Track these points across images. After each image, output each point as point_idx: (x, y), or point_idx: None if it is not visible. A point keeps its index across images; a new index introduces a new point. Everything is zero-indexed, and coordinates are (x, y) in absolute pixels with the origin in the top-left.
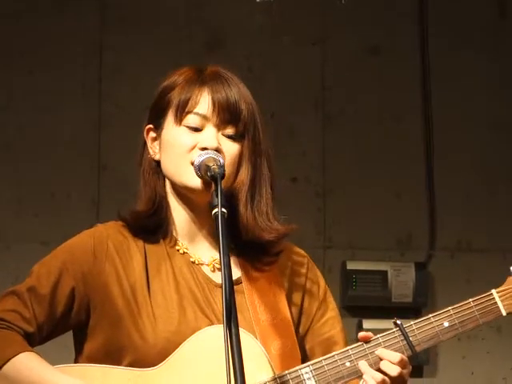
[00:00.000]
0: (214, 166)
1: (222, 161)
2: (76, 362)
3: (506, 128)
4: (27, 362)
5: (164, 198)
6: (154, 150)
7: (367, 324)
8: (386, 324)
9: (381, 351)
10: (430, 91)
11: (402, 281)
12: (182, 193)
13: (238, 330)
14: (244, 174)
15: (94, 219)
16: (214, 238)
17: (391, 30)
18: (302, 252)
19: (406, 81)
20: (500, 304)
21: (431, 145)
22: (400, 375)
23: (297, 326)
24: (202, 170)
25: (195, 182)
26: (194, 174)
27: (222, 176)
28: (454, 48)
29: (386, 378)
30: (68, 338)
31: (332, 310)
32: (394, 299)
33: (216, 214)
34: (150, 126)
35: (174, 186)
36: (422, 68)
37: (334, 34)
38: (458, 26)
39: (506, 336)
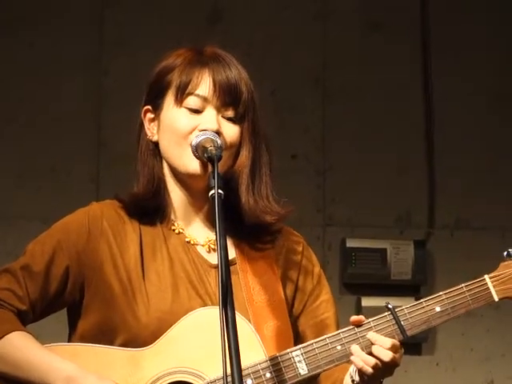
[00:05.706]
0: (211, 148)
1: (219, 142)
2: (69, 339)
3: (506, 104)
4: (18, 341)
5: (162, 180)
6: (151, 131)
7: (366, 301)
8: (385, 302)
9: (372, 335)
10: (430, 67)
11: (401, 258)
12: (180, 176)
13: (234, 313)
14: (244, 156)
15: (93, 196)
16: (210, 220)
17: (392, 6)
18: (299, 235)
19: (406, 57)
20: (492, 289)
21: (432, 122)
22: (392, 360)
23: (291, 304)
24: (199, 150)
25: (193, 165)
26: (193, 157)
27: (219, 158)
28: (455, 22)
29: (378, 362)
30: (63, 313)
31: (326, 294)
32: (393, 277)
33: (213, 196)
34: (148, 107)
35: (171, 168)
36: (423, 44)
37: (335, 9)
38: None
39: (504, 313)
